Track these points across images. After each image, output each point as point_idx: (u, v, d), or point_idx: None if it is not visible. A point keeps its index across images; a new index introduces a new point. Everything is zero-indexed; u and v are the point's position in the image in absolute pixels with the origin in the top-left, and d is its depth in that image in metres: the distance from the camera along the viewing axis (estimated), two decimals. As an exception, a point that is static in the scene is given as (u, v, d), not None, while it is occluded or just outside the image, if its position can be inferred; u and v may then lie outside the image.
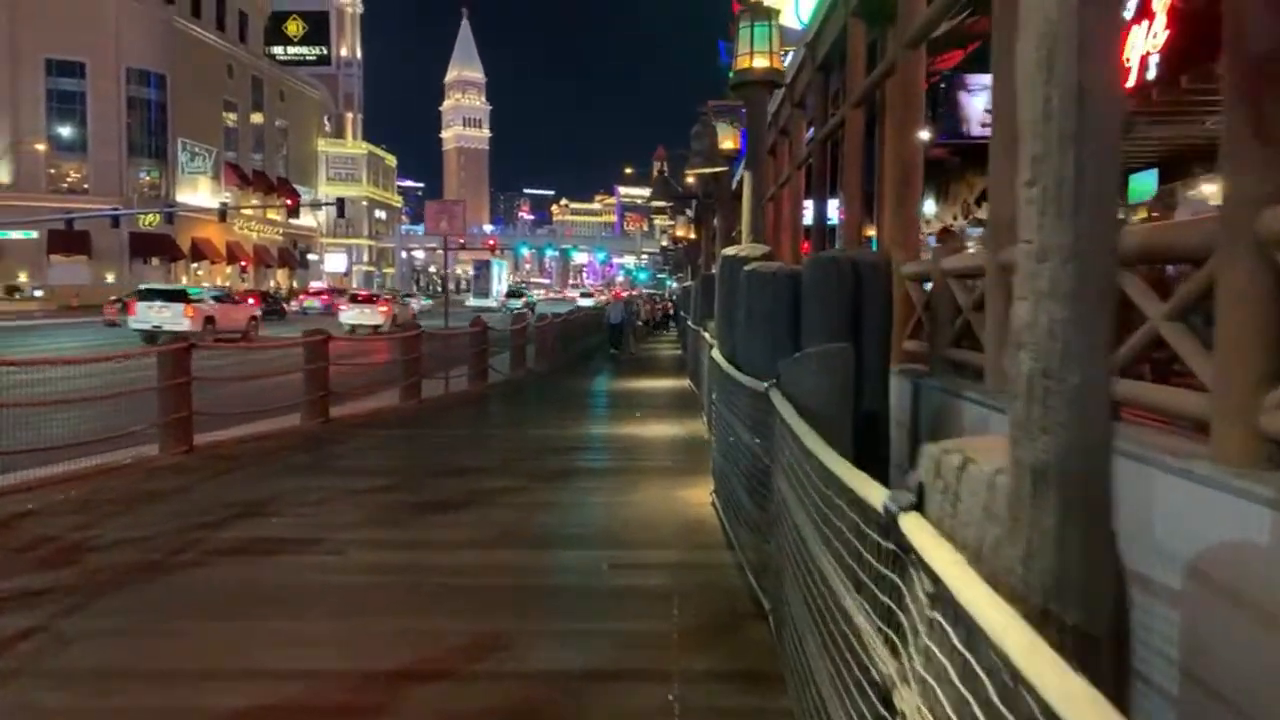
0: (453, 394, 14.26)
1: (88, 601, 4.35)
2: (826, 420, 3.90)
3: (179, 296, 28.21)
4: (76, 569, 4.86)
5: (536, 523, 6.06)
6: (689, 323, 16.52)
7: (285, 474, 7.82)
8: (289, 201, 46.28)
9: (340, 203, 53.42)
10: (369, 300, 36.75)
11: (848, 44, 9.24)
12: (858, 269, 5.66)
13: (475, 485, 7.29)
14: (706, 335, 10.17)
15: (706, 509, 6.43)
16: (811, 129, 13.44)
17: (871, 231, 10.41)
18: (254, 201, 75.22)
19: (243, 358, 14.81)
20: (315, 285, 67.62)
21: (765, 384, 4.24)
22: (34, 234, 55.12)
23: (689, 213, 23.75)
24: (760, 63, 8.72)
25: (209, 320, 27.71)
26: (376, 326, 32.78)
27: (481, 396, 14.22)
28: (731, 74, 8.91)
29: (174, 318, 26.72)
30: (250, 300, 36.17)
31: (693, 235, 24.28)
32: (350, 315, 34.40)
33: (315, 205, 61.04)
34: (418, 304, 48.22)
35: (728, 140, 10.24)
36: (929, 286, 6.68)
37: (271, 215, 79.81)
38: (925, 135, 8.79)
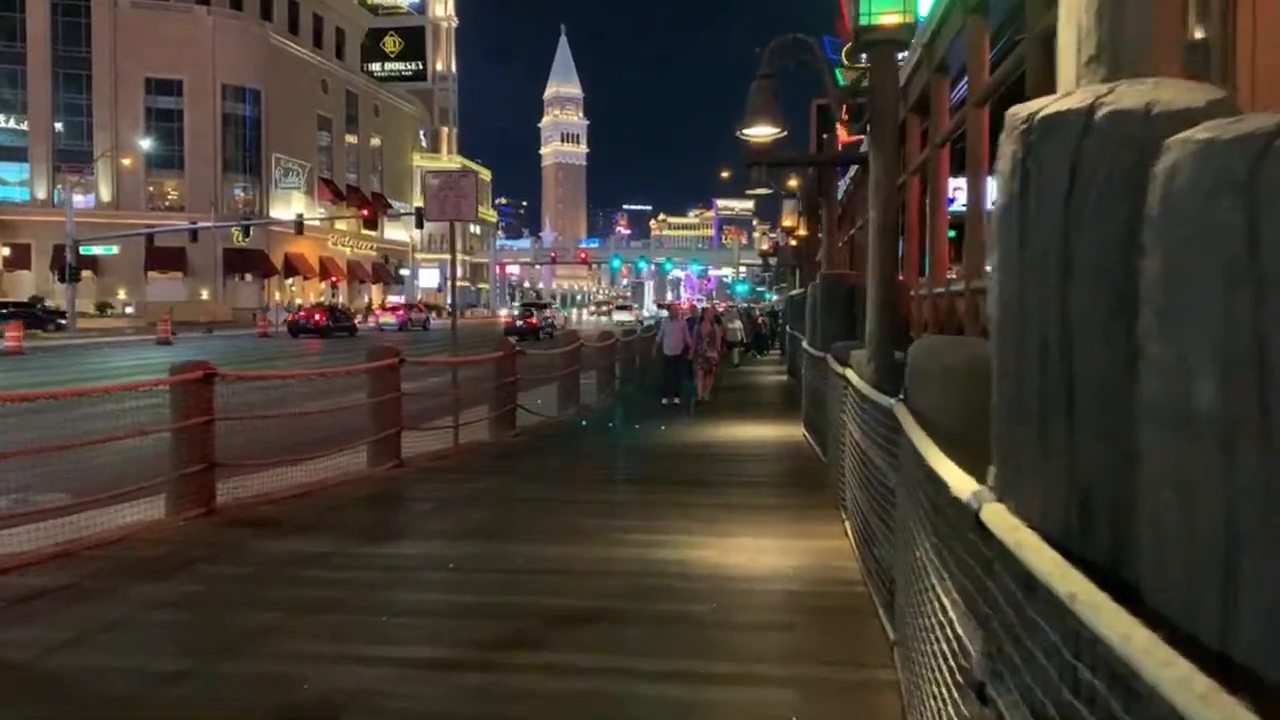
0: (460, 449, 9.83)
1: None
2: None
3: (542, 307, 50.04)
4: None
5: None
6: (805, 345, 11.56)
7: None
8: (364, 212, 43.55)
9: (419, 213, 50.58)
10: None
11: None
12: None
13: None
14: (854, 380, 5.33)
15: None
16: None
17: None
18: (348, 218, 73.94)
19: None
20: (393, 300, 65.16)
21: None
22: (115, 249, 54.51)
23: (796, 198, 18.97)
24: None
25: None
26: None
27: (493, 458, 9.66)
28: None
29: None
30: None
31: (802, 230, 19.20)
32: None
33: (394, 216, 58.75)
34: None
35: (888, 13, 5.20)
36: None
37: (366, 231, 78.78)
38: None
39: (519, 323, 40.52)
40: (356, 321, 51.58)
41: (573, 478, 8.51)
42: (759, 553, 5.60)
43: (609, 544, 5.85)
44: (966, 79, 10.28)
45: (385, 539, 6.13)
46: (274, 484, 7.54)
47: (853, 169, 16.66)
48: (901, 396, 3.78)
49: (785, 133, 7.35)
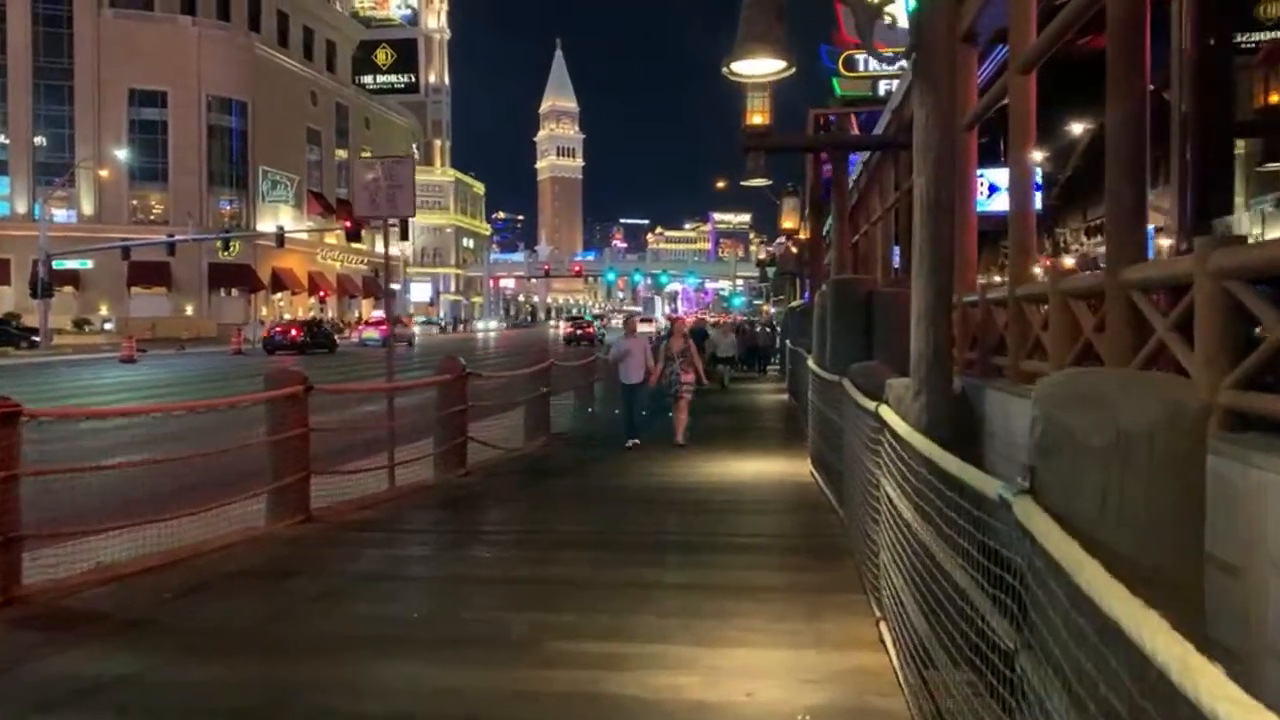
0: (393, 495, 8.06)
1: None
2: None
3: (587, 321, 55.60)
4: None
5: None
6: (810, 364, 9.76)
7: None
8: (347, 224, 41.71)
9: (404, 224, 48.91)
10: None
11: None
12: None
13: None
14: (899, 428, 3.54)
15: None
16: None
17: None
18: (338, 231, 72.37)
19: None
20: (375, 314, 63.30)
21: None
22: (89, 263, 52.82)
23: (798, 195, 17.20)
24: None
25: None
26: None
27: (429, 508, 7.82)
28: None
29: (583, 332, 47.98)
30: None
31: (805, 234, 17.29)
32: None
33: (377, 228, 57.13)
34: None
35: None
36: None
37: (356, 244, 77.12)
38: None
39: (577, 331, 49.93)
40: (340, 336, 49.80)
41: (518, 540, 6.69)
42: (759, 678, 3.81)
43: (543, 662, 4.06)
44: (1006, 47, 8.62)
45: (230, 649, 4.33)
46: (131, 552, 5.78)
47: (858, 163, 14.90)
48: (1026, 483, 2.01)
49: (793, 69, 5.51)
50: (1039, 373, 6.98)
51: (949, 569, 2.76)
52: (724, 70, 5.26)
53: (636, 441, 11.02)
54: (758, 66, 5.37)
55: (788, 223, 18.83)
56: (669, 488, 8.55)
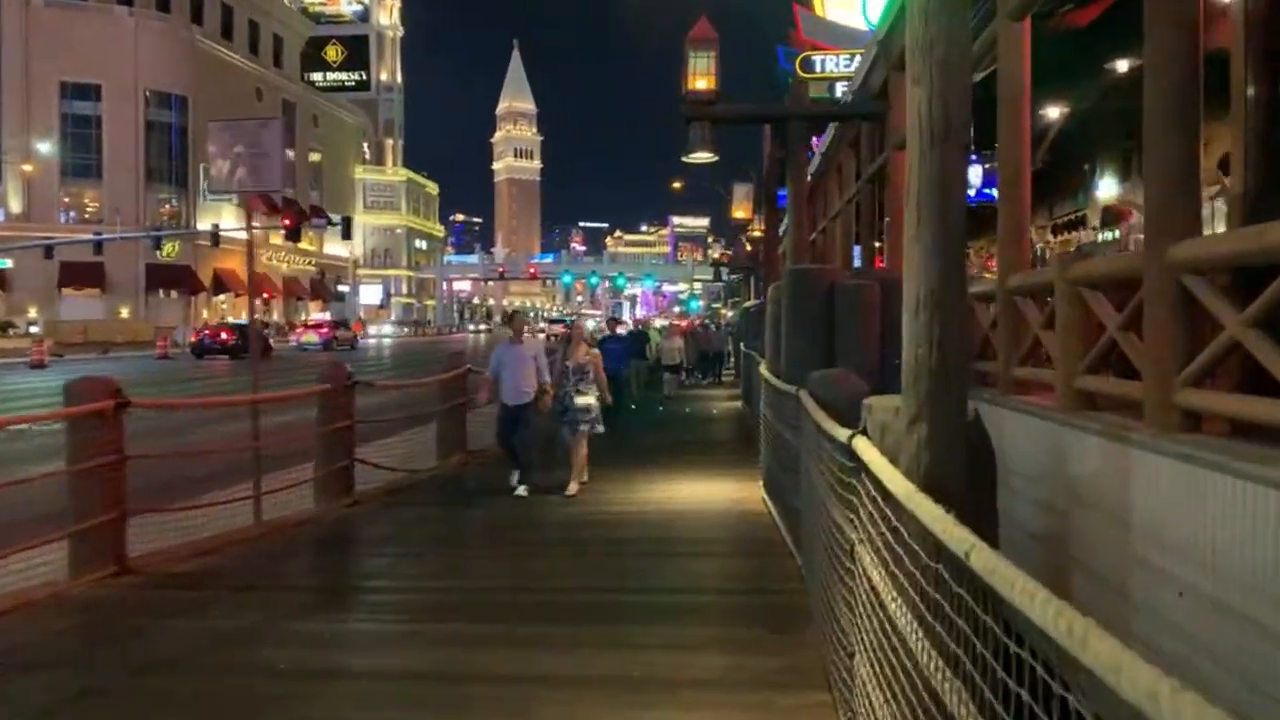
0: (256, 533, 6.52)
1: None
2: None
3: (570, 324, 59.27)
4: None
5: None
6: (763, 370, 8.35)
7: None
8: (285, 221, 39.50)
9: (347, 221, 46.96)
10: None
11: None
12: None
13: None
14: (897, 491, 2.18)
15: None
16: None
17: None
18: (282, 231, 69.85)
19: None
20: (315, 317, 60.93)
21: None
22: (9, 263, 49.92)
23: (751, 182, 16.00)
24: None
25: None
26: None
27: (289, 554, 6.26)
28: None
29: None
30: None
31: (759, 229, 15.99)
32: None
33: (318, 227, 55.07)
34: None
35: None
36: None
37: (305, 245, 74.68)
38: None
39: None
40: (276, 340, 47.63)
41: (386, 604, 5.17)
42: None
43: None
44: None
45: None
46: None
47: (826, 136, 13.35)
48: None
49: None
50: (1038, 381, 5.73)
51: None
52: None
53: (522, 490, 8.14)
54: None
55: (739, 212, 17.44)
56: (592, 521, 7.08)
